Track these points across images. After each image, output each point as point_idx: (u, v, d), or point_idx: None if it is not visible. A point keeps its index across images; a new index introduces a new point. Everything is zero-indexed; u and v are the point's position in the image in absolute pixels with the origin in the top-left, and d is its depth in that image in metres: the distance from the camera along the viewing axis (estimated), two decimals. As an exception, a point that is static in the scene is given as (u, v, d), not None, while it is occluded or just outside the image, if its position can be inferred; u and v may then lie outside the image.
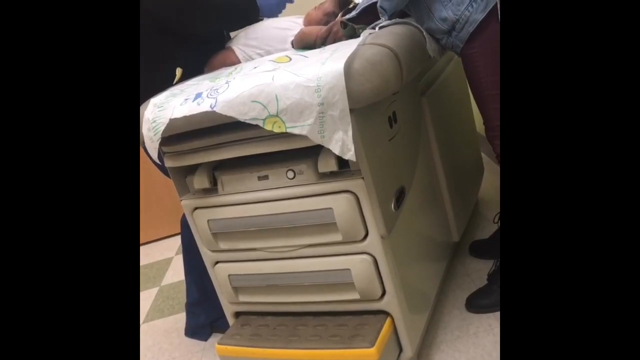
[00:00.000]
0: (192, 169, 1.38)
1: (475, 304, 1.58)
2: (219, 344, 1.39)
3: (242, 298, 1.43)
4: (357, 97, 1.09)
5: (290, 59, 1.26)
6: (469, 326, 1.53)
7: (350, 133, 1.08)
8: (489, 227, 1.97)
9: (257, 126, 1.13)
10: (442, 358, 1.43)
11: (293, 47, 1.48)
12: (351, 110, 1.08)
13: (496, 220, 1.75)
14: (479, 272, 1.74)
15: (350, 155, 1.09)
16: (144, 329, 2.11)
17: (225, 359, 1.39)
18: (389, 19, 1.35)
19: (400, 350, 1.32)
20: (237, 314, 1.51)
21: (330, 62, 1.09)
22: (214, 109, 1.14)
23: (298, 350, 1.28)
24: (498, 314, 1.54)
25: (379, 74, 1.10)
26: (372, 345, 1.21)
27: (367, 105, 1.13)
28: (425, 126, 1.56)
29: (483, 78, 1.36)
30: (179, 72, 1.56)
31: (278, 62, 1.24)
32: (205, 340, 1.87)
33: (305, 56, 1.26)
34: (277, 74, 1.13)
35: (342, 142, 1.09)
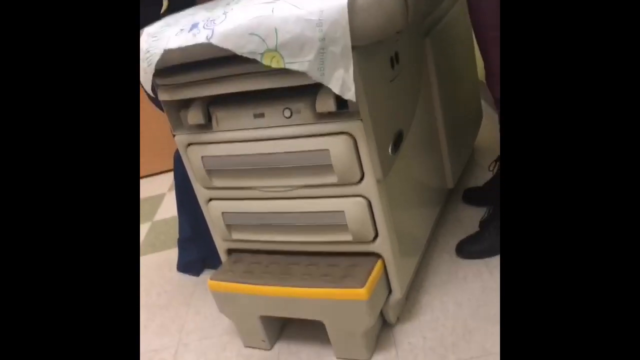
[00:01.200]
0: (186, 104, 1.35)
1: (466, 249, 1.60)
2: (211, 279, 1.41)
3: (235, 236, 1.43)
4: (359, 34, 1.04)
5: (291, -9, 1.20)
6: (458, 271, 1.55)
7: (351, 71, 1.04)
8: (483, 175, 1.97)
9: (254, 61, 1.09)
10: (430, 301, 1.46)
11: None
12: (353, 48, 1.04)
13: (491, 168, 1.74)
14: (470, 219, 1.76)
15: (350, 95, 1.06)
16: (136, 262, 2.13)
17: (216, 294, 1.42)
18: None
19: (390, 291, 1.34)
20: (230, 251, 1.52)
21: (333, -5, 1.04)
22: (210, 40, 1.09)
23: (289, 288, 1.30)
24: (487, 260, 1.56)
25: (384, 10, 1.05)
26: (362, 285, 1.22)
27: (369, 43, 1.09)
28: (427, 69, 1.52)
29: (488, 19, 1.31)
30: (165, 2, 1.48)
31: (278, -6, 1.18)
32: (197, 275, 1.90)
33: (307, -12, 1.20)
34: (277, 6, 1.08)
35: (342, 80, 1.05)
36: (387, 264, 1.30)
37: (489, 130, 2.23)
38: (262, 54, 1.07)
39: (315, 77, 1.06)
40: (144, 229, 2.45)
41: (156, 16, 1.36)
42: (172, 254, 2.06)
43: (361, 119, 1.14)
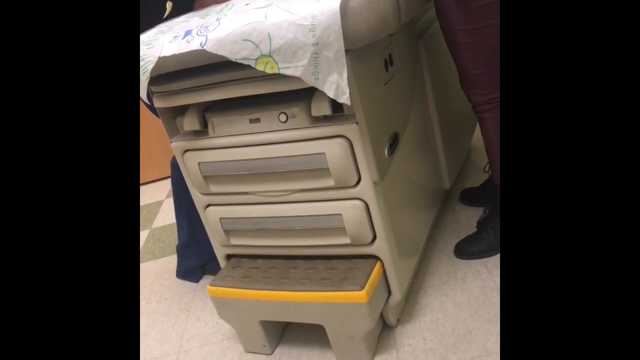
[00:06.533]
0: (182, 110, 1.35)
1: (464, 250, 1.60)
2: (210, 285, 1.41)
3: (234, 241, 1.44)
4: (353, 38, 1.05)
5: (284, -4, 1.20)
6: (457, 272, 1.55)
7: (345, 75, 1.05)
8: (480, 176, 1.98)
9: (249, 66, 1.09)
10: (430, 302, 1.47)
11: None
12: (346, 51, 1.04)
13: (487, 169, 1.75)
14: (468, 220, 1.76)
15: (344, 98, 1.06)
16: (136, 270, 2.13)
17: (216, 300, 1.41)
18: None
19: (389, 293, 1.35)
20: (229, 257, 1.52)
21: (325, 0, 1.05)
22: (204, 47, 1.10)
23: (289, 292, 1.30)
24: (486, 260, 1.56)
25: (376, 13, 1.06)
26: (362, 288, 1.22)
27: (363, 46, 1.09)
28: (421, 70, 1.52)
29: (457, 26, 1.32)
30: (169, 5, 1.49)
31: (271, -1, 1.19)
32: (197, 282, 1.90)
33: (299, -7, 1.20)
34: (270, 12, 1.08)
35: (336, 84, 1.06)
36: (386, 266, 1.31)
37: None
38: (256, 60, 1.08)
39: (310, 81, 1.07)
40: (142, 236, 2.45)
41: (158, 21, 1.37)
42: (171, 261, 2.06)
43: (357, 122, 1.14)
